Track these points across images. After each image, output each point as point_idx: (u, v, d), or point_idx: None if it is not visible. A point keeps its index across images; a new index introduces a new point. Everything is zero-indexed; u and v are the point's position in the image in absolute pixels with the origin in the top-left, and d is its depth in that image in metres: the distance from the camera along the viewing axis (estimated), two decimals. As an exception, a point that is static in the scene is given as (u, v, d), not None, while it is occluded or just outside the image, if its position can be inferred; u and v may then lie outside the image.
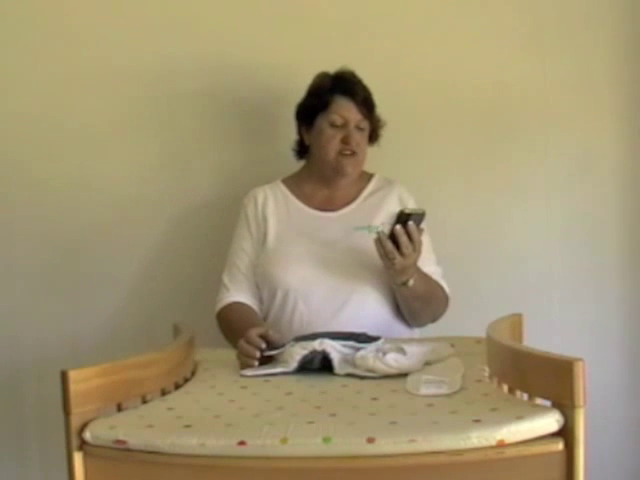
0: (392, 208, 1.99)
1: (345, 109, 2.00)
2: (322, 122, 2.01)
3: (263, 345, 1.65)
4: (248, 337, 1.67)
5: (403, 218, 1.76)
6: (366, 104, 2.02)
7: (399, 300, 1.92)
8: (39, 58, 2.29)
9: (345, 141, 1.99)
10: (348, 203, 2.05)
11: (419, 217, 1.76)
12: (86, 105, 2.30)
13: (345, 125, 2.00)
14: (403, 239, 1.75)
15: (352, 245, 1.94)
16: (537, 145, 2.33)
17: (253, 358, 1.64)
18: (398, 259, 1.76)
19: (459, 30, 2.29)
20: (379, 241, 1.77)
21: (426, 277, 1.91)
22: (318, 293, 1.90)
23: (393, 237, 1.76)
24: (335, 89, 2.01)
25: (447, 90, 2.29)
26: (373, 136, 2.09)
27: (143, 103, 2.31)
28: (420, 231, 1.77)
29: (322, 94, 2.02)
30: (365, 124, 2.02)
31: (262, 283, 1.98)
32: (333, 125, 2.00)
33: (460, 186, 2.33)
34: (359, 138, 2.01)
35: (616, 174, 2.34)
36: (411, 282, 1.84)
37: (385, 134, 2.10)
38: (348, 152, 1.99)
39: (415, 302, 1.90)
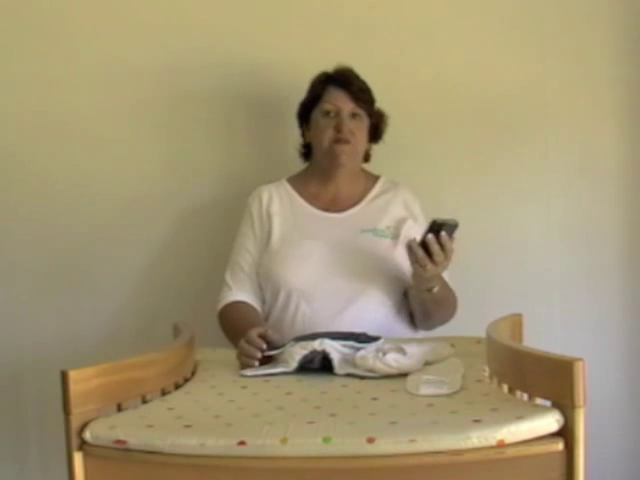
0: (397, 212, 2.00)
1: (336, 98, 2.00)
2: (316, 114, 2.02)
3: (264, 345, 1.65)
4: (248, 337, 1.67)
5: (435, 227, 1.73)
6: (361, 94, 2.00)
7: (415, 304, 1.92)
8: (40, 57, 2.28)
9: (337, 129, 1.98)
10: (354, 204, 2.04)
11: (451, 227, 1.73)
12: (89, 104, 2.29)
13: (338, 114, 1.99)
14: (435, 247, 1.72)
15: (357, 247, 1.94)
16: (537, 145, 2.32)
17: (254, 359, 1.64)
18: (430, 266, 1.74)
19: (460, 30, 2.29)
20: (410, 248, 1.75)
21: (446, 283, 1.91)
22: (321, 294, 1.90)
23: (424, 245, 1.73)
24: (328, 81, 2.02)
25: (448, 91, 2.29)
26: (376, 133, 2.08)
27: (146, 102, 2.30)
28: (452, 240, 1.75)
29: (316, 88, 2.04)
30: (360, 112, 2.01)
31: (265, 283, 1.98)
32: (326, 114, 2.00)
33: (460, 186, 2.32)
34: (353, 126, 1.99)
35: (616, 174, 2.34)
36: (436, 289, 1.83)
37: (386, 134, 2.10)
38: (342, 139, 1.98)
39: (432, 306, 1.90)
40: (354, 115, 2.00)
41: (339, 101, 2.00)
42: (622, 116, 2.33)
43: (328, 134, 1.99)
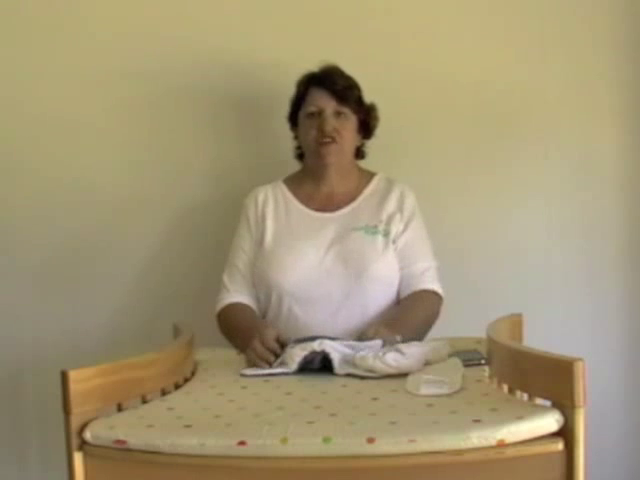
0: (390, 208, 1.99)
1: (318, 98, 2.00)
2: (301, 116, 2.03)
3: (279, 350, 1.66)
4: (265, 340, 1.68)
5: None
6: (344, 92, 1.99)
7: None
8: (34, 58, 2.27)
9: (320, 129, 1.98)
10: (348, 202, 2.03)
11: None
12: (82, 105, 2.29)
13: (320, 113, 1.99)
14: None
15: (349, 247, 1.93)
16: (537, 145, 2.32)
17: (268, 362, 1.64)
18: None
19: (460, 30, 2.28)
20: None
21: (418, 324, 1.86)
22: (313, 297, 1.90)
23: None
24: (310, 82, 2.02)
25: (448, 90, 2.29)
26: (367, 130, 2.07)
27: (139, 102, 2.29)
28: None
29: (300, 90, 2.04)
30: (345, 110, 2.00)
31: (258, 284, 1.98)
32: (310, 115, 2.00)
33: (460, 186, 2.32)
34: (337, 124, 1.98)
35: (616, 174, 2.34)
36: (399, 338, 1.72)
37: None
38: (327, 140, 1.97)
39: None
40: (338, 114, 1.99)
41: (321, 101, 1.99)
42: (622, 116, 2.33)
43: (312, 135, 1.99)
